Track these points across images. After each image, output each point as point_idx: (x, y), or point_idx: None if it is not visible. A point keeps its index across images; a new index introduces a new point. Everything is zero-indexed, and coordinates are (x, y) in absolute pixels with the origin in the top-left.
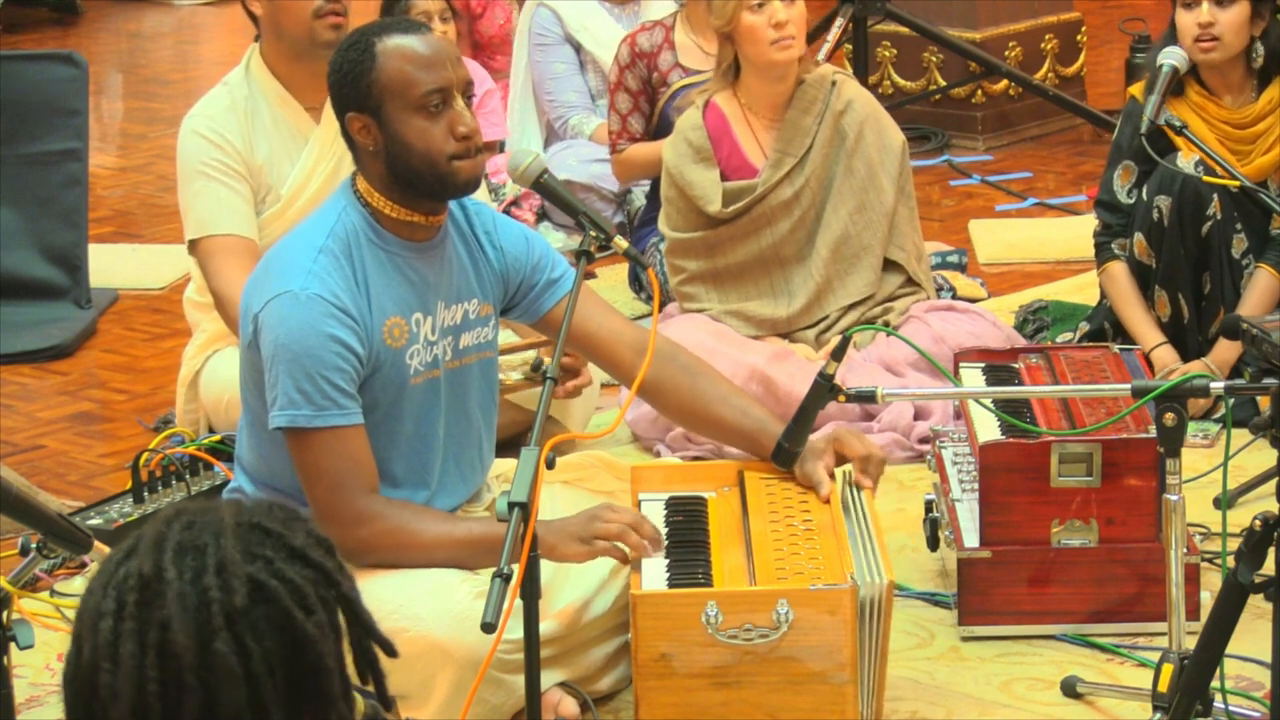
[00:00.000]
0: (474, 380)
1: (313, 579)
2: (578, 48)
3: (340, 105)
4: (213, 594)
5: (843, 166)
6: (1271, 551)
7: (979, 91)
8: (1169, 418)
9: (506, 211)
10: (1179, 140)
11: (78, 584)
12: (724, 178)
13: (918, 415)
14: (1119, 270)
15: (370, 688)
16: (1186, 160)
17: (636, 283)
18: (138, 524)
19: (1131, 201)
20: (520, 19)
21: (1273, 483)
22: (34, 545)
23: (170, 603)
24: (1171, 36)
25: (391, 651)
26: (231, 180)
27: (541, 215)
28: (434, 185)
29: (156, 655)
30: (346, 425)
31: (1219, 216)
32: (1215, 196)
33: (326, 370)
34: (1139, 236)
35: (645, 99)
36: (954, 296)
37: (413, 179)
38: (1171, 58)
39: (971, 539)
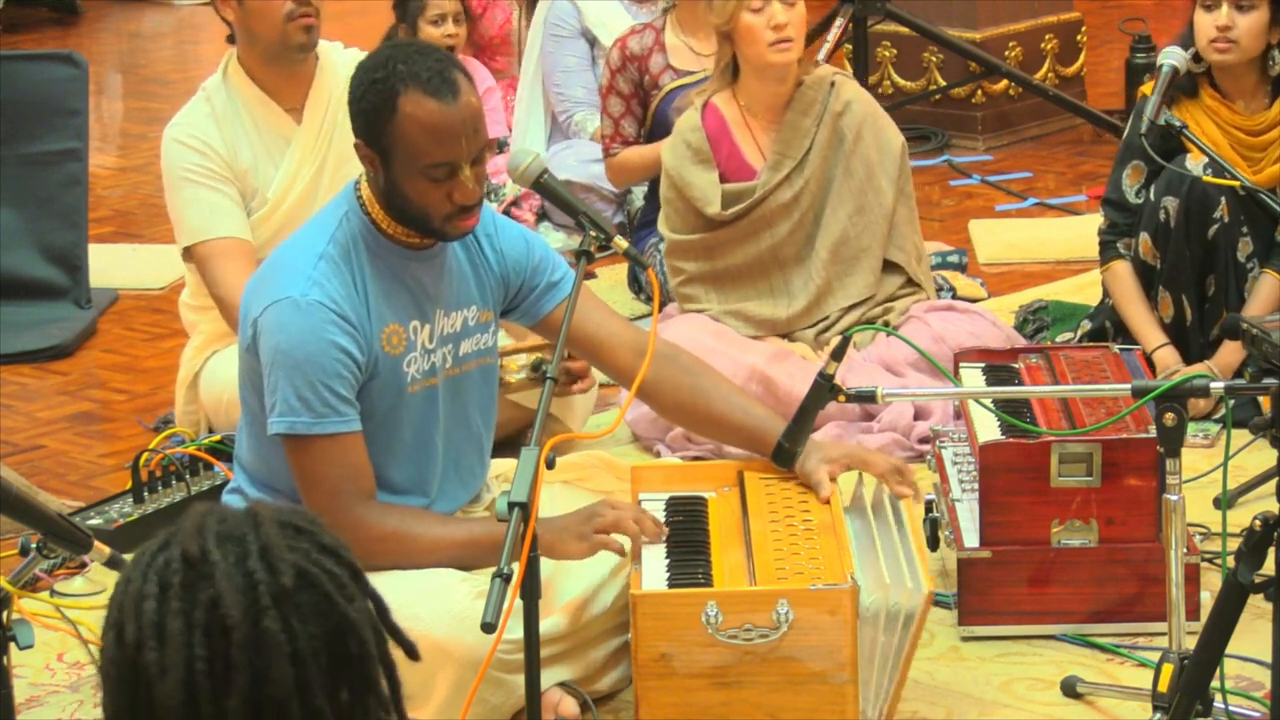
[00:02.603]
0: (474, 386)
1: (347, 572)
2: (592, 43)
3: (354, 126)
4: (259, 575)
5: (841, 168)
6: (1271, 551)
7: (979, 91)
8: (1169, 418)
9: (506, 212)
10: (1183, 140)
11: (78, 584)
12: (723, 179)
13: (918, 415)
14: (1123, 269)
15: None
16: (1196, 163)
17: (636, 283)
18: (138, 524)
19: (1140, 201)
20: (538, 9)
21: (1273, 483)
22: (34, 545)
23: (219, 581)
24: (1189, 36)
25: (413, 653)
26: (219, 184)
27: (541, 215)
28: (424, 232)
29: (203, 633)
30: (345, 433)
31: (1225, 219)
32: (1223, 199)
33: (326, 377)
34: (1144, 236)
35: (637, 102)
36: (954, 296)
37: (405, 221)
38: (1172, 58)
39: (971, 539)
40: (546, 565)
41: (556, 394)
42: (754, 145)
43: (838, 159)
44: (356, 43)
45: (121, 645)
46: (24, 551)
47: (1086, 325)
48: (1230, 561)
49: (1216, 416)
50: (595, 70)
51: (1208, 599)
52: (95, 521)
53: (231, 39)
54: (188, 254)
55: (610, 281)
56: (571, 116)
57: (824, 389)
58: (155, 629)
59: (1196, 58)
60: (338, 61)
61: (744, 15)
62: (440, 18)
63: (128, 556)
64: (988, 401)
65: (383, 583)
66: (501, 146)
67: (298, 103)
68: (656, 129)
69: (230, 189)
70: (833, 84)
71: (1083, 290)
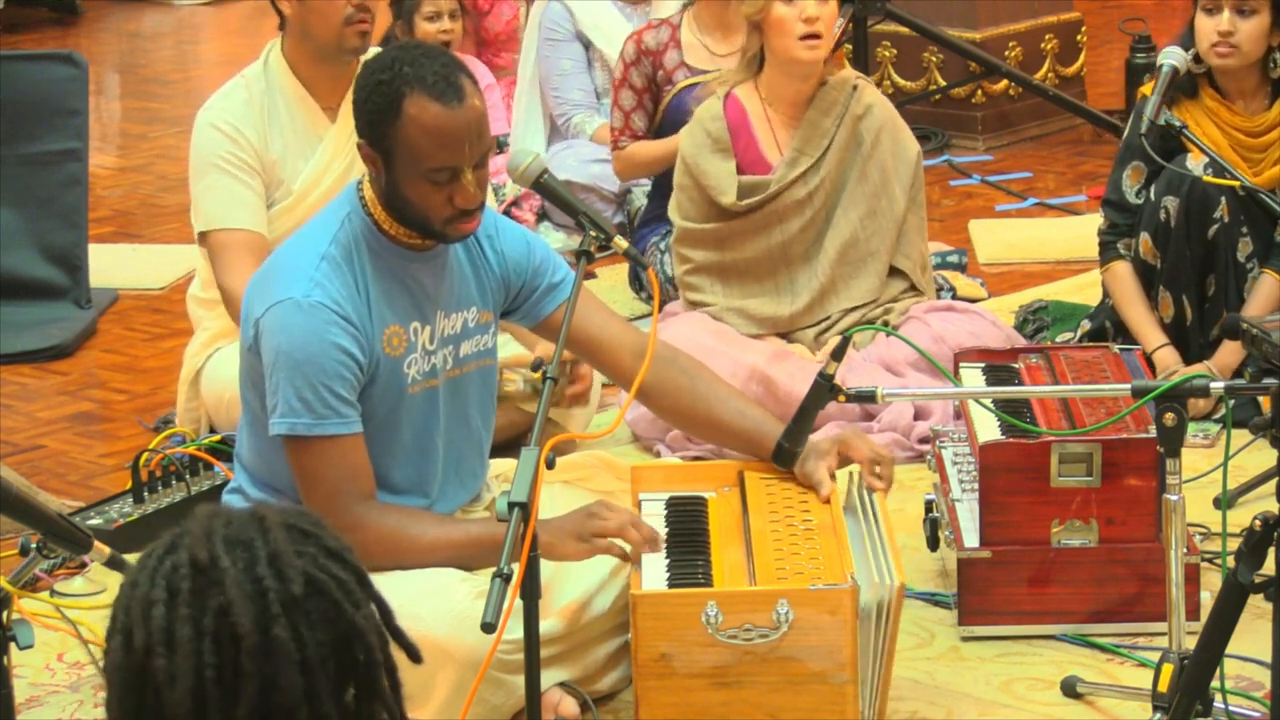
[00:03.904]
0: (474, 388)
1: (353, 577)
2: (587, 45)
3: (357, 126)
4: (268, 583)
5: (857, 171)
6: (1271, 551)
7: (979, 91)
8: (1169, 418)
9: (506, 212)
10: (1182, 140)
11: (78, 584)
12: (738, 171)
13: (918, 415)
14: (1123, 270)
15: None
16: (1196, 163)
17: (637, 282)
18: (138, 524)
19: (1140, 201)
20: (532, 13)
21: (1273, 483)
22: (34, 545)
23: (229, 588)
24: (1189, 36)
25: (416, 656)
26: (244, 174)
27: (541, 215)
28: (425, 234)
29: (212, 641)
30: (346, 434)
31: (1225, 219)
32: (1223, 199)
33: (328, 379)
34: (1145, 236)
35: (649, 97)
36: (954, 296)
37: (405, 222)
38: (1171, 58)
39: (971, 539)
40: (546, 567)
41: (553, 405)
42: (772, 140)
43: (854, 161)
44: None
45: (129, 650)
46: (24, 551)
47: (1086, 325)
48: (1230, 561)
49: (1216, 416)
50: (592, 73)
51: (1208, 599)
52: (95, 521)
53: (280, 28)
54: (202, 239)
55: (610, 281)
56: (570, 119)
57: (824, 389)
58: (164, 635)
59: (1197, 58)
60: None
61: (776, 6)
62: (436, 14)
63: (128, 557)
64: (988, 401)
65: (383, 583)
66: (501, 146)
67: (335, 101)
68: (665, 125)
69: (255, 180)
70: (855, 87)
71: (1082, 290)
